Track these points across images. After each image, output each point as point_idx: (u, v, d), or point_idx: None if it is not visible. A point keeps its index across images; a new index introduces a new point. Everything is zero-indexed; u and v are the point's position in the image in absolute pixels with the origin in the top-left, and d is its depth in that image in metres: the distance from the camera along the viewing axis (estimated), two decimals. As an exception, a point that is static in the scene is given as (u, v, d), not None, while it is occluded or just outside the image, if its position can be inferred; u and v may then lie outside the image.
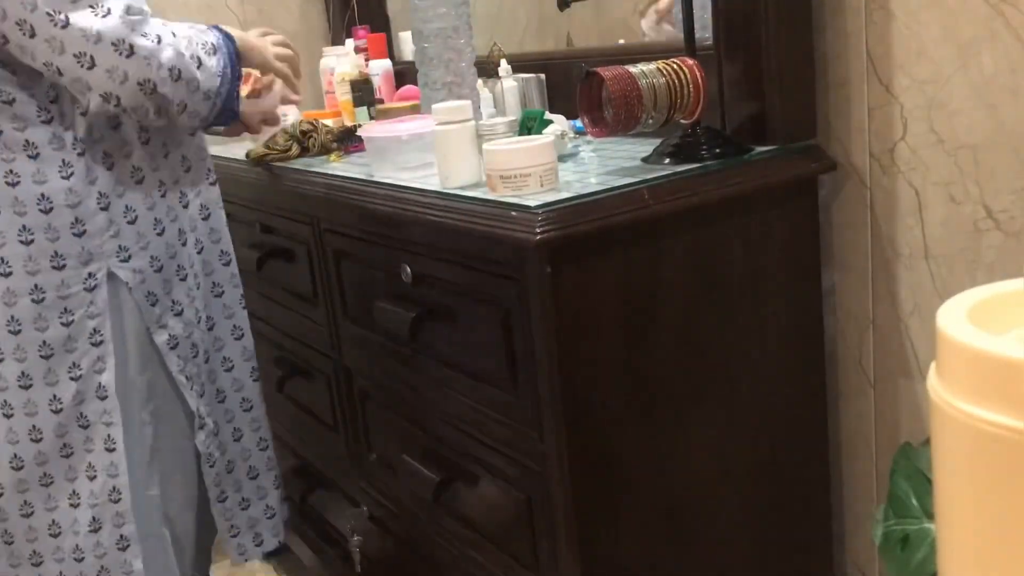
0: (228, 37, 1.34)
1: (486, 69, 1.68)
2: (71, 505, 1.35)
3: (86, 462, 1.34)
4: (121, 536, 1.37)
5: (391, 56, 2.10)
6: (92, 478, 1.34)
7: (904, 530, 1.05)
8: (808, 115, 1.30)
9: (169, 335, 1.39)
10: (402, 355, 1.43)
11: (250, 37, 1.42)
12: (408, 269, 1.33)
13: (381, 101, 1.88)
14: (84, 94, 1.20)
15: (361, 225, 1.45)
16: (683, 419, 1.22)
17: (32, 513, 1.34)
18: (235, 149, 1.89)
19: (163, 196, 1.37)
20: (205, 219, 1.47)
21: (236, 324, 1.55)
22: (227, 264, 1.53)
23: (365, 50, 2.03)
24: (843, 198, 1.33)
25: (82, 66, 1.16)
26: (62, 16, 1.14)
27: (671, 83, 1.19)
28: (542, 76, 1.67)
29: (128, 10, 1.18)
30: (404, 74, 2.01)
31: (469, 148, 1.23)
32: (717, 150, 1.23)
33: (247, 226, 1.87)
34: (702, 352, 1.22)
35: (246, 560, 1.64)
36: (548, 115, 1.40)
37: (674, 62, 1.21)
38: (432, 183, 1.28)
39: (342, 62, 1.94)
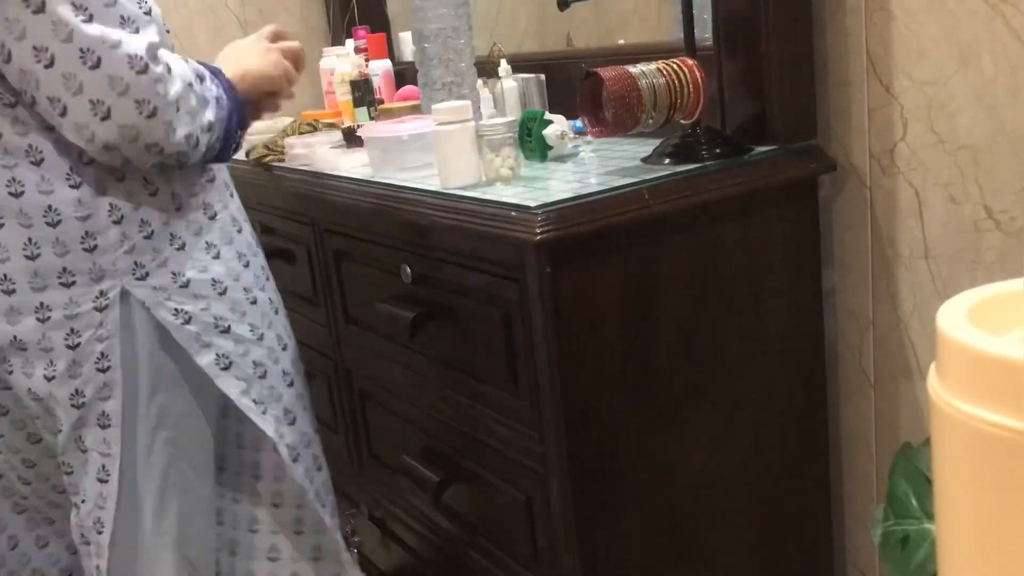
0: (224, 85, 1.24)
1: (486, 69, 1.68)
2: (39, 548, 1.36)
3: (81, 488, 1.26)
4: (97, 568, 1.28)
5: (391, 56, 2.10)
6: (79, 504, 1.27)
7: (904, 530, 1.05)
8: (808, 115, 1.30)
9: (216, 355, 1.26)
10: (402, 355, 1.43)
11: (243, 57, 1.32)
12: (408, 269, 1.33)
13: (381, 101, 1.88)
14: (80, 133, 1.11)
15: (361, 225, 1.45)
16: (683, 419, 1.22)
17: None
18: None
19: (178, 209, 1.24)
20: (239, 232, 1.35)
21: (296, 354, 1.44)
22: (268, 279, 1.41)
23: (365, 50, 2.03)
24: (843, 198, 1.33)
25: (95, 115, 1.08)
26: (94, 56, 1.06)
27: (671, 83, 1.19)
28: (542, 76, 1.67)
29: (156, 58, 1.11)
30: (404, 74, 2.01)
31: (469, 148, 1.23)
32: (717, 150, 1.23)
33: (247, 226, 1.87)
34: (702, 352, 1.22)
35: None
36: (548, 115, 1.40)
37: (674, 62, 1.21)
38: (432, 183, 1.28)
39: (342, 62, 1.94)
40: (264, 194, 1.74)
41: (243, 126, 1.28)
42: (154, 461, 1.27)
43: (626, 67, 1.19)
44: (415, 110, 1.66)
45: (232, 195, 1.35)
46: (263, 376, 1.32)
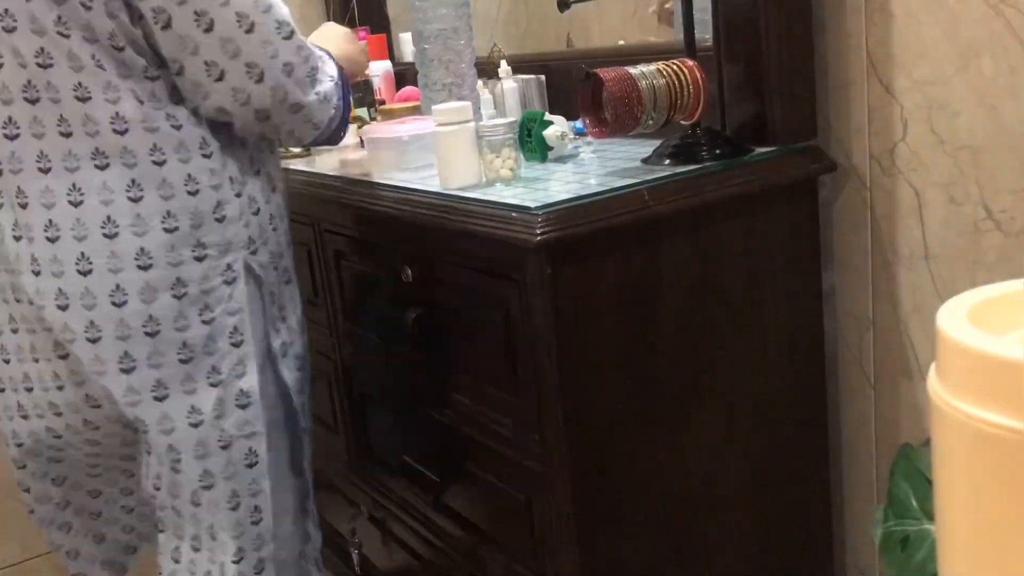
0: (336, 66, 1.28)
1: (486, 70, 1.68)
2: (211, 537, 1.21)
3: (229, 490, 1.19)
4: (259, 559, 1.23)
5: (391, 57, 2.10)
6: (235, 508, 1.20)
7: (904, 531, 1.05)
8: (808, 116, 1.30)
9: (282, 341, 1.26)
10: (402, 356, 1.43)
11: (342, 42, 1.37)
12: (408, 270, 1.33)
13: (382, 102, 1.88)
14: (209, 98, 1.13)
15: (361, 226, 1.45)
16: (683, 419, 1.22)
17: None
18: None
19: (273, 191, 1.26)
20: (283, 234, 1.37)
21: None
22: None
23: (365, 51, 2.03)
24: (843, 199, 1.33)
25: (251, 78, 1.11)
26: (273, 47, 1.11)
27: (671, 84, 1.19)
28: (542, 77, 1.67)
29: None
30: (404, 75, 2.01)
31: (469, 149, 1.23)
32: (717, 151, 1.23)
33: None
34: (702, 353, 1.22)
35: None
36: (548, 116, 1.40)
37: (674, 63, 1.21)
38: (432, 184, 1.28)
39: (342, 63, 1.94)
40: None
41: (347, 108, 1.30)
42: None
43: (626, 68, 1.19)
44: (415, 111, 1.66)
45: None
46: (300, 369, 1.32)
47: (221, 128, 1.16)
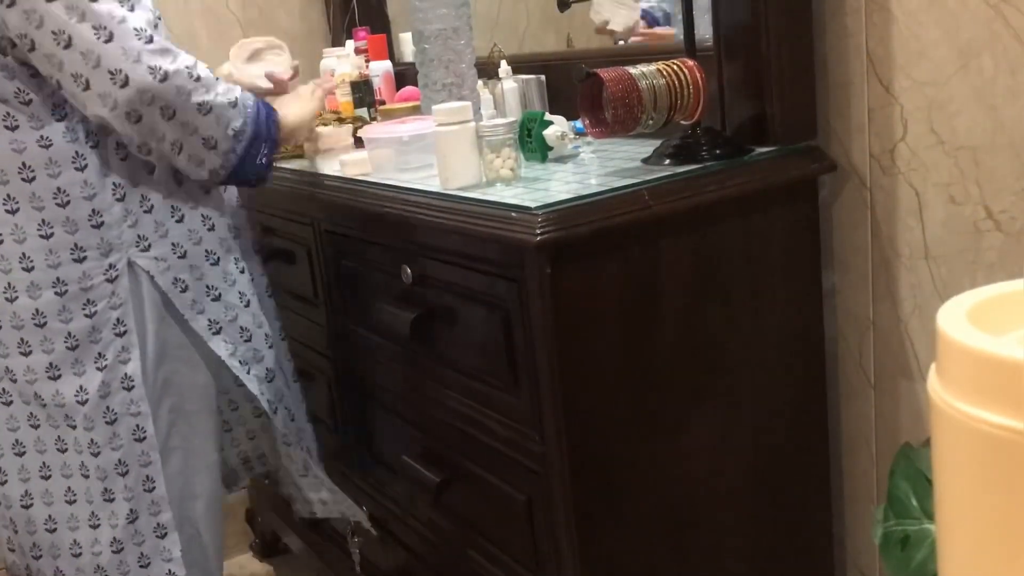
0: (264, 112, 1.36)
1: (486, 70, 1.68)
2: (106, 500, 1.36)
3: (115, 459, 1.35)
4: (158, 524, 1.39)
5: (391, 57, 2.10)
6: (124, 474, 1.35)
7: (904, 531, 1.05)
8: (808, 116, 1.30)
9: (209, 320, 1.39)
10: (402, 356, 1.43)
11: (299, 115, 1.46)
12: (408, 270, 1.33)
13: (382, 102, 1.88)
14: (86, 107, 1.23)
15: (361, 226, 1.45)
16: (683, 419, 1.22)
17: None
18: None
19: (180, 184, 1.36)
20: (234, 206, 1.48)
21: (268, 307, 1.55)
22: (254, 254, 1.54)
23: (365, 51, 2.03)
24: (843, 199, 1.33)
25: (115, 83, 1.19)
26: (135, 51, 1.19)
27: (671, 84, 1.19)
28: (542, 77, 1.67)
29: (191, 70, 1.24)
30: (404, 75, 2.01)
31: (469, 149, 1.23)
32: (717, 151, 1.23)
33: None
34: (702, 353, 1.22)
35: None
36: (548, 116, 1.40)
37: (674, 63, 1.21)
38: (432, 184, 1.28)
39: (342, 63, 1.94)
40: (264, 194, 1.74)
41: (269, 159, 1.38)
42: (158, 426, 1.37)
43: (626, 68, 1.19)
44: (415, 111, 1.66)
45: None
46: (248, 340, 1.45)
47: (109, 138, 1.28)
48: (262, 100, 1.38)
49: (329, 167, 1.57)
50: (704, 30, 1.31)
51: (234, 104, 1.29)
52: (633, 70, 1.19)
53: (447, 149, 1.23)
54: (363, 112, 1.82)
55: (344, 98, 1.87)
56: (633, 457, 1.18)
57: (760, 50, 1.23)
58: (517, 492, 1.24)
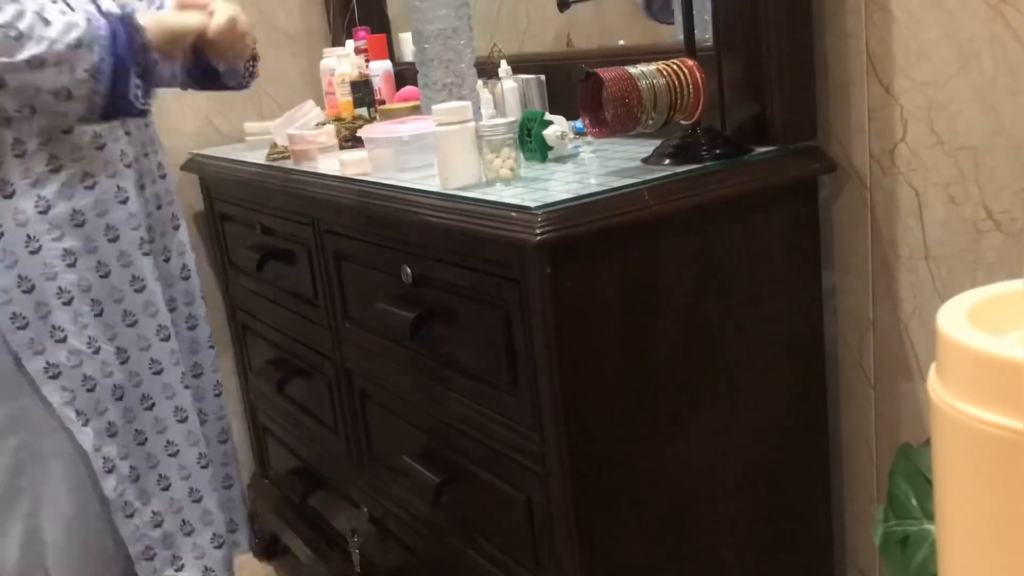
0: (124, 28, 1.20)
1: (486, 70, 1.68)
2: None
3: None
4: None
5: (391, 57, 2.10)
6: None
7: (904, 531, 1.05)
8: (808, 116, 1.30)
9: (47, 363, 1.26)
10: (402, 356, 1.43)
11: (177, 17, 1.28)
12: (408, 270, 1.33)
13: (382, 102, 1.88)
14: None
15: (361, 226, 1.45)
16: (683, 419, 1.22)
17: None
18: (230, 151, 1.89)
19: (43, 213, 1.23)
20: (113, 241, 1.32)
21: (154, 357, 1.40)
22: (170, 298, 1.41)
23: (365, 51, 2.03)
24: (843, 199, 1.33)
25: None
26: None
27: (671, 84, 1.19)
28: (542, 77, 1.67)
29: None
30: (404, 75, 2.01)
31: (469, 149, 1.23)
32: (717, 151, 1.23)
33: (247, 228, 1.87)
34: (702, 353, 1.22)
35: None
36: (548, 116, 1.40)
37: (674, 63, 1.21)
38: (432, 184, 1.28)
39: (342, 63, 1.94)
40: (264, 194, 1.74)
41: (147, 75, 1.23)
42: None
43: (626, 68, 1.19)
44: (415, 111, 1.66)
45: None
46: (91, 390, 1.31)
47: None
48: (121, 18, 1.22)
49: (329, 167, 1.57)
50: (704, 30, 1.31)
51: (77, 44, 1.15)
52: (633, 70, 1.19)
53: (447, 149, 1.23)
54: (363, 112, 1.82)
55: (344, 98, 1.87)
56: (633, 457, 1.18)
57: (760, 50, 1.23)
58: (517, 492, 1.24)
